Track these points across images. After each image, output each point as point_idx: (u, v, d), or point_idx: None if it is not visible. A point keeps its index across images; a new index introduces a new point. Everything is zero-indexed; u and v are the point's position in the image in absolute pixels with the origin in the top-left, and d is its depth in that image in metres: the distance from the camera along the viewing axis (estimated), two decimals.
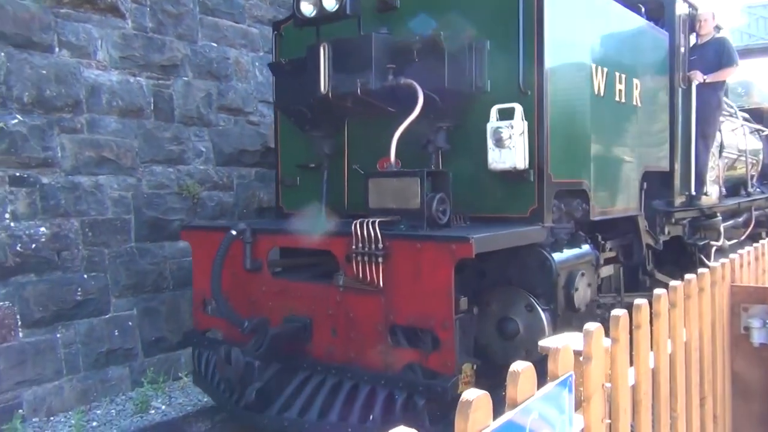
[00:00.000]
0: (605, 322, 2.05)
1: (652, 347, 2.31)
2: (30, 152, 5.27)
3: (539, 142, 4.21)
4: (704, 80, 6.60)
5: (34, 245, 5.25)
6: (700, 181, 6.73)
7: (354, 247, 3.84)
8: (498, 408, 1.36)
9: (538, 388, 1.51)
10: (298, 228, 4.26)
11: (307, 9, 4.47)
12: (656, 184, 6.37)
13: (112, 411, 5.43)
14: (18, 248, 5.13)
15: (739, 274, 3.30)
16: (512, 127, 4.09)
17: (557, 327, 4.28)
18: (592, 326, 1.85)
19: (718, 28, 7.25)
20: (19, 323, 5.09)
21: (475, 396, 1.25)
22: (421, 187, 3.86)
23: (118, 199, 5.93)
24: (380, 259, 3.76)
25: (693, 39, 7.09)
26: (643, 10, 5.97)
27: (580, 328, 1.92)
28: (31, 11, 5.36)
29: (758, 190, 10.14)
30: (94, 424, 5.17)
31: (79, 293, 5.52)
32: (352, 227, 3.84)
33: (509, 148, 4.11)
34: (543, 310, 4.22)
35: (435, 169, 4.33)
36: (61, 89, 5.52)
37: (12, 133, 5.15)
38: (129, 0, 6.17)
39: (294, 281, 4.36)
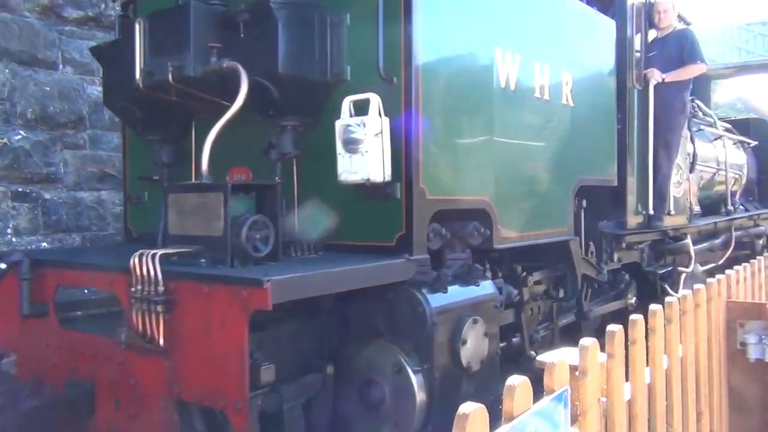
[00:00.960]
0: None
1: (648, 363, 2.30)
2: (33, 168, 5.29)
3: (407, 147, 3.06)
4: (663, 79, 5.44)
5: None
6: (661, 198, 5.54)
7: (133, 289, 2.70)
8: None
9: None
10: (88, 259, 3.13)
11: None
12: (605, 201, 5.21)
13: None
14: None
15: (735, 290, 3.21)
16: (364, 125, 2.95)
17: (438, 392, 3.12)
18: (588, 341, 1.81)
19: (682, 20, 6.10)
20: None
21: (471, 409, 1.23)
22: (224, 206, 2.71)
23: (119, 214, 5.68)
24: (160, 308, 2.62)
25: (654, 34, 5.95)
26: None
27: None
28: (36, 28, 5.38)
29: (741, 207, 8.90)
30: None
31: None
32: (130, 262, 2.70)
33: (361, 153, 2.96)
34: (414, 371, 3.06)
35: (254, 181, 3.19)
36: (64, 105, 5.54)
37: (15, 149, 5.18)
38: None
39: (80, 332, 3.20)
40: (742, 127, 10.50)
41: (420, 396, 3.04)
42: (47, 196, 5.40)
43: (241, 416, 2.41)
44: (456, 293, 3.31)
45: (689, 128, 7.25)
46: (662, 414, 2.33)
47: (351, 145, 2.96)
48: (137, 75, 3.31)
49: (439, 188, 3.21)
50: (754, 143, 9.97)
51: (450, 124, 3.30)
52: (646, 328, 2.30)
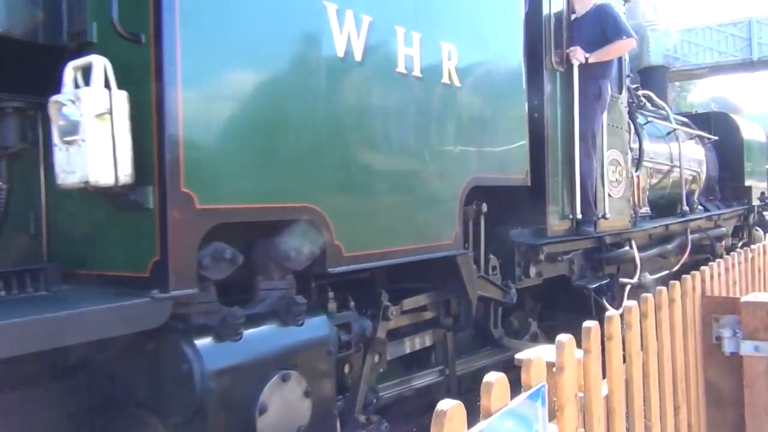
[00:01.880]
0: None
1: (625, 358, 2.25)
2: None
3: (161, 134, 2.06)
4: (586, 60, 4.48)
5: None
6: (587, 200, 4.58)
7: None
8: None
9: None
10: None
11: None
12: (523, 205, 4.25)
13: None
14: None
15: (709, 285, 3.14)
16: (80, 102, 1.95)
17: None
18: (564, 337, 1.76)
19: None
20: None
21: (449, 406, 1.22)
22: None
23: None
24: None
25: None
26: None
27: None
28: None
29: (699, 208, 7.97)
30: None
31: None
32: None
33: (79, 143, 1.96)
34: None
35: None
36: None
37: None
38: None
39: None
40: (702, 121, 9.57)
41: None
42: None
43: None
44: (259, 340, 2.31)
45: (633, 120, 6.32)
46: (640, 408, 2.31)
47: (66, 131, 1.96)
48: None
49: (220, 193, 2.21)
50: (714, 138, 9.05)
51: (241, 103, 2.30)
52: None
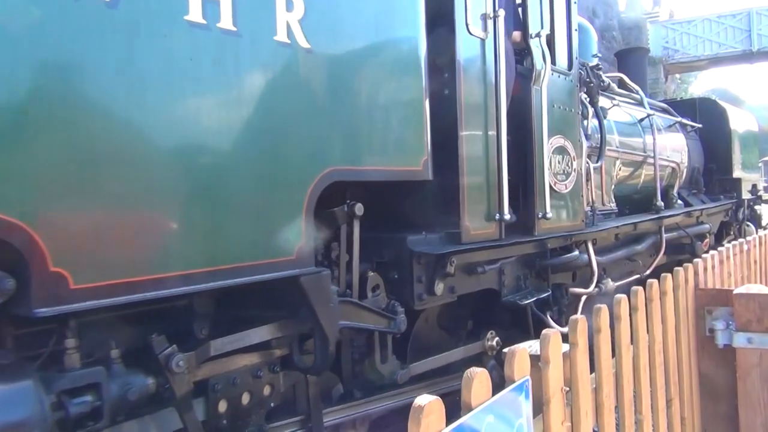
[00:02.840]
0: None
1: (614, 352, 2.20)
2: None
3: None
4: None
5: None
6: (519, 198, 3.63)
7: None
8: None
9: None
10: None
11: None
12: (425, 205, 3.32)
13: None
14: None
15: (703, 278, 2.99)
16: None
17: None
18: (550, 331, 1.70)
19: None
20: None
21: (426, 401, 1.16)
22: None
23: None
24: None
25: None
26: None
27: None
28: None
29: (679, 203, 6.98)
30: None
31: None
32: None
33: None
34: None
35: None
36: None
37: None
38: None
39: None
40: (687, 108, 8.58)
41: None
42: None
43: None
44: None
45: (593, 105, 5.36)
46: (630, 401, 2.25)
47: None
48: None
49: None
50: (697, 126, 8.05)
51: None
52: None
